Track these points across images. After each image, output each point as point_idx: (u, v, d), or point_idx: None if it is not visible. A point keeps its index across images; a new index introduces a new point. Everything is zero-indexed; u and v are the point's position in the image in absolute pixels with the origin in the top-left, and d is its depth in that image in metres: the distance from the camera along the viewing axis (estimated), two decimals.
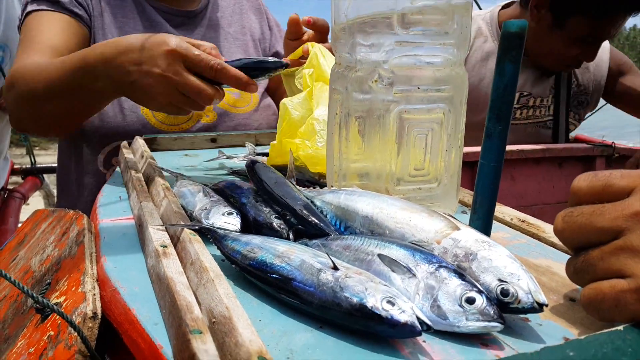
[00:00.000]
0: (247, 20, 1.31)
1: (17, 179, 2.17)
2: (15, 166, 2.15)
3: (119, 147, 0.94)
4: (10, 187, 1.90)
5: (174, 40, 0.73)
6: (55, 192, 1.35)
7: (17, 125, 1.05)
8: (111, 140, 1.07)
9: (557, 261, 0.52)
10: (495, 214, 0.62)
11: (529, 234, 0.59)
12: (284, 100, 0.76)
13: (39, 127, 1.02)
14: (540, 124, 1.51)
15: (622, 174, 0.37)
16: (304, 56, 0.84)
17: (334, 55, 0.61)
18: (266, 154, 0.81)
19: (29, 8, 1.08)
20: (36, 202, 2.28)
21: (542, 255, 0.54)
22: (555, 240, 0.57)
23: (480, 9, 1.58)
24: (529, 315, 0.41)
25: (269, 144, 0.79)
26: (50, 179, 2.35)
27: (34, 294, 0.38)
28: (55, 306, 0.38)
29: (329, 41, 0.92)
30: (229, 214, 0.54)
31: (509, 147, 1.37)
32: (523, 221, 0.61)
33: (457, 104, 0.54)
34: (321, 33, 0.91)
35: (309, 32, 0.92)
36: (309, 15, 1.06)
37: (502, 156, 0.44)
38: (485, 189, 0.44)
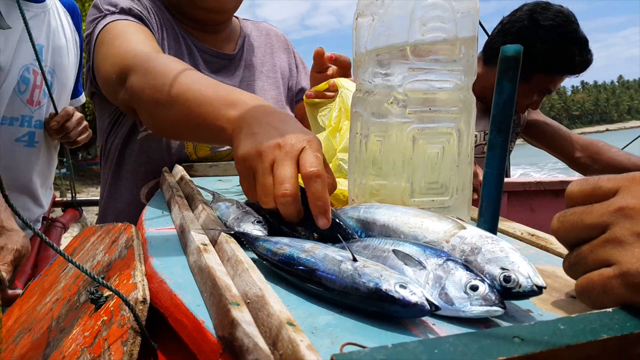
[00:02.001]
0: (277, 59, 1.39)
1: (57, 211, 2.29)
2: (57, 199, 2.27)
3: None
4: (52, 216, 2.02)
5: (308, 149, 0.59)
6: (93, 224, 1.42)
7: (129, 102, 0.95)
8: (156, 175, 1.12)
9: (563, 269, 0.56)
10: (506, 229, 0.67)
11: (537, 246, 0.64)
12: None
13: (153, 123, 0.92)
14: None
15: (609, 178, 0.42)
16: (330, 89, 0.91)
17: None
18: None
19: (112, 18, 1.05)
20: (74, 233, 2.39)
21: (549, 263, 0.58)
22: (563, 251, 0.61)
23: (487, 35, 1.75)
24: (531, 307, 0.46)
25: None
26: (88, 213, 2.47)
27: (95, 275, 0.44)
28: (112, 287, 0.44)
29: (352, 76, 0.99)
30: (259, 222, 0.61)
31: (526, 179, 1.43)
32: (532, 235, 0.66)
33: (466, 124, 0.60)
34: (343, 68, 0.99)
35: (333, 68, 1.00)
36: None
37: (504, 164, 0.49)
38: (490, 194, 0.50)
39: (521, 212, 1.28)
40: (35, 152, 1.67)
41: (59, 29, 1.65)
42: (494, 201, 0.50)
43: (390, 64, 0.59)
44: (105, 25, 1.04)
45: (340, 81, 0.88)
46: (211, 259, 0.49)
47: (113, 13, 1.06)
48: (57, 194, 2.73)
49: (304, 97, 0.98)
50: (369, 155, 0.63)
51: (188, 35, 1.21)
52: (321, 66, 0.99)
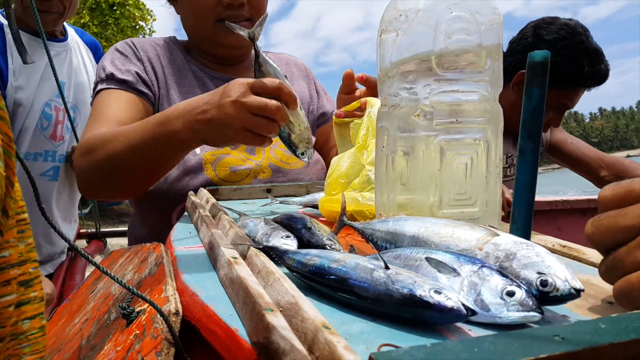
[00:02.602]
0: (297, 86, 1.42)
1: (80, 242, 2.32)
2: (81, 231, 2.30)
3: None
4: None
5: (239, 79, 0.85)
6: None
7: (87, 191, 1.11)
8: (178, 202, 1.14)
9: (597, 276, 0.55)
10: (537, 241, 0.66)
11: (569, 257, 0.62)
12: (334, 159, 0.84)
13: (113, 190, 1.10)
14: None
15: None
16: (362, 108, 0.93)
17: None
18: (316, 206, 0.88)
19: (99, 87, 1.20)
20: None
21: (582, 272, 0.57)
22: (596, 261, 0.60)
23: None
24: (567, 313, 0.45)
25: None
26: (112, 244, 2.49)
27: (131, 287, 0.44)
28: (147, 297, 0.44)
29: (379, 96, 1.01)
30: (287, 237, 0.61)
31: (552, 198, 1.41)
32: (564, 246, 0.65)
33: (493, 135, 0.60)
34: (372, 89, 1.00)
35: (361, 89, 1.01)
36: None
37: (536, 170, 0.49)
38: (522, 200, 0.49)
39: (549, 232, 1.25)
40: (58, 185, 1.70)
41: (80, 67, 1.71)
42: (527, 207, 0.49)
43: (416, 77, 0.60)
44: (98, 92, 1.20)
45: (371, 100, 0.89)
46: (242, 270, 0.49)
47: (102, 80, 1.20)
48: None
49: (333, 116, 1.00)
50: (396, 170, 0.63)
51: (202, 68, 1.28)
52: (350, 87, 1.02)
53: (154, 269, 0.62)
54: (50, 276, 1.77)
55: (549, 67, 0.47)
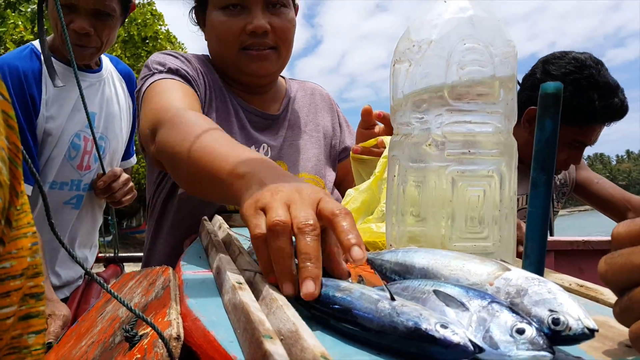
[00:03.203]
0: (320, 119, 1.42)
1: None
2: (99, 255, 2.32)
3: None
4: (93, 272, 2.05)
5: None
6: None
7: (157, 159, 1.00)
8: (196, 229, 1.10)
9: (614, 317, 0.52)
10: (554, 280, 0.64)
11: (587, 297, 0.60)
12: (349, 191, 0.84)
13: (174, 175, 0.95)
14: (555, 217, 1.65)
15: None
16: (378, 146, 0.93)
17: None
18: None
19: (159, 77, 1.10)
20: None
21: (600, 313, 0.54)
22: (614, 301, 0.57)
23: None
24: (582, 354, 0.43)
25: None
26: (130, 269, 2.50)
27: (134, 309, 0.44)
28: (148, 319, 0.44)
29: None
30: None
31: (573, 238, 1.37)
32: (581, 286, 0.62)
33: (507, 168, 0.59)
34: (389, 126, 1.00)
35: (379, 126, 1.01)
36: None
37: (549, 203, 0.48)
38: (535, 234, 0.48)
39: (570, 273, 1.21)
40: (80, 212, 1.72)
41: (112, 97, 1.74)
42: (540, 241, 0.47)
43: (428, 107, 0.59)
44: (152, 83, 1.10)
45: (388, 139, 0.90)
46: (246, 295, 0.48)
47: (161, 72, 1.12)
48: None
49: (351, 151, 1.00)
50: (407, 200, 0.62)
51: (235, 97, 1.27)
52: (368, 123, 1.02)
53: (161, 293, 0.61)
54: (65, 299, 1.78)
55: (561, 98, 0.46)
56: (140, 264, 2.49)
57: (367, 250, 0.73)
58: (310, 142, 1.36)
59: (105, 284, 0.46)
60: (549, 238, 1.20)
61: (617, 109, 1.50)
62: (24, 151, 0.36)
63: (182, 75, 1.13)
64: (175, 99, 1.02)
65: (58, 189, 1.63)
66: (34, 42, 1.61)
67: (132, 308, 0.44)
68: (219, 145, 0.78)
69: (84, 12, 1.49)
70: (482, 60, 0.58)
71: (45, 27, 1.52)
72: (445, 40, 0.59)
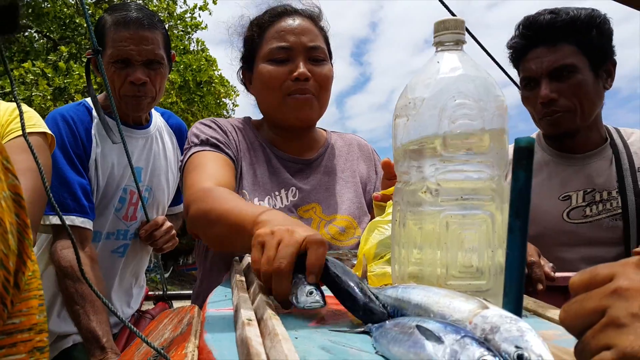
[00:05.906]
0: (357, 166, 1.49)
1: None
2: (149, 293, 2.44)
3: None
4: (143, 309, 2.17)
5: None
6: None
7: (192, 231, 1.17)
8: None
9: None
10: (548, 314, 0.67)
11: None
12: (365, 230, 0.90)
13: (208, 241, 1.16)
14: (616, 216, 1.51)
15: (606, 265, 0.44)
16: None
17: None
18: None
19: (195, 150, 1.30)
20: None
21: None
22: None
23: (453, 15, 1.71)
24: None
25: None
26: (178, 306, 2.60)
27: (154, 345, 0.51)
28: (165, 353, 0.51)
29: None
30: (310, 293, 0.66)
31: (574, 274, 1.34)
32: None
33: (499, 210, 0.63)
34: None
35: None
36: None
37: (525, 247, 0.52)
38: (512, 275, 0.52)
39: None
40: (126, 259, 1.83)
41: (159, 152, 1.85)
42: (517, 282, 0.51)
43: (424, 157, 0.65)
44: (189, 157, 1.29)
45: None
46: (251, 331, 0.55)
47: (196, 145, 1.30)
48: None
49: (372, 197, 1.06)
50: (406, 242, 0.67)
51: (270, 145, 1.38)
52: (390, 174, 1.09)
53: (185, 328, 0.68)
54: (114, 336, 1.87)
55: (534, 151, 0.51)
56: (188, 300, 2.59)
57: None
58: (346, 187, 1.43)
59: (133, 327, 0.53)
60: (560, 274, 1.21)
61: (531, 22, 1.49)
62: (83, 184, 0.43)
63: (212, 144, 1.30)
64: (205, 176, 1.20)
65: (105, 239, 1.74)
66: (87, 99, 1.75)
67: (151, 343, 0.51)
68: (243, 205, 1.01)
69: (137, 64, 1.62)
70: (471, 114, 0.63)
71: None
72: (437, 96, 0.65)
